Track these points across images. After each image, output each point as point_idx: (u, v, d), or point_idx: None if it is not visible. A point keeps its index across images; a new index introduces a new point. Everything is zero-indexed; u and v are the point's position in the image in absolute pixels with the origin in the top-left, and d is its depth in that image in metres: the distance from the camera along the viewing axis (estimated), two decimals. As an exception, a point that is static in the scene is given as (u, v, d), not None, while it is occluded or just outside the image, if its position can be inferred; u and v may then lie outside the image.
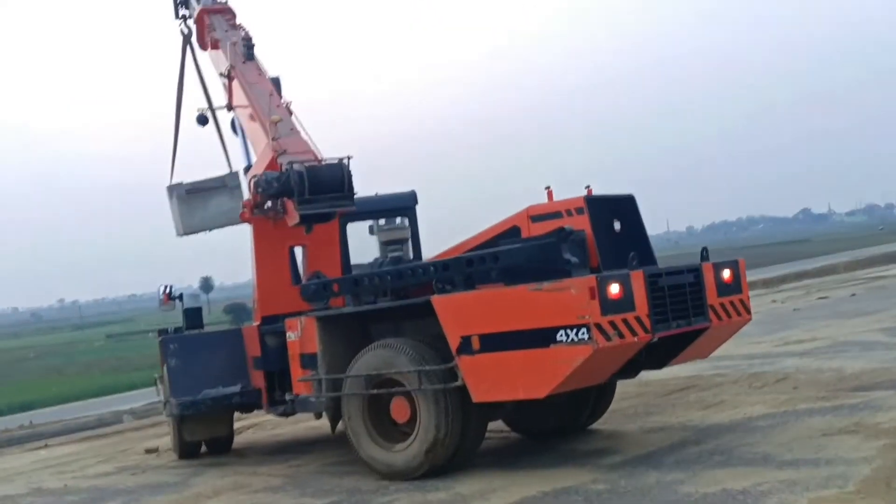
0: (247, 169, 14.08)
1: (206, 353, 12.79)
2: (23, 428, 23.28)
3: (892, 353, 14.30)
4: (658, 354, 9.83)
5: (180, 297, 14.31)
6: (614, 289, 8.53)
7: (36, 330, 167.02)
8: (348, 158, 11.41)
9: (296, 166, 11.02)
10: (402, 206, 13.61)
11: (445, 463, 9.62)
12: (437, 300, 9.41)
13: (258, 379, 12.42)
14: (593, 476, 9.08)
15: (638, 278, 8.83)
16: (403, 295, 10.30)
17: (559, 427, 11.29)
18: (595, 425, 12.03)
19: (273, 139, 11.85)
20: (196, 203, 15.99)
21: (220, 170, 16.55)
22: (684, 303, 9.39)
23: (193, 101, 16.80)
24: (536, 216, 10.06)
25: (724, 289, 10.00)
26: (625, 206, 10.31)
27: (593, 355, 8.44)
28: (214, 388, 12.43)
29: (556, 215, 9.86)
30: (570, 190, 10.26)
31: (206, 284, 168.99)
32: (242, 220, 12.44)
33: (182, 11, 16.57)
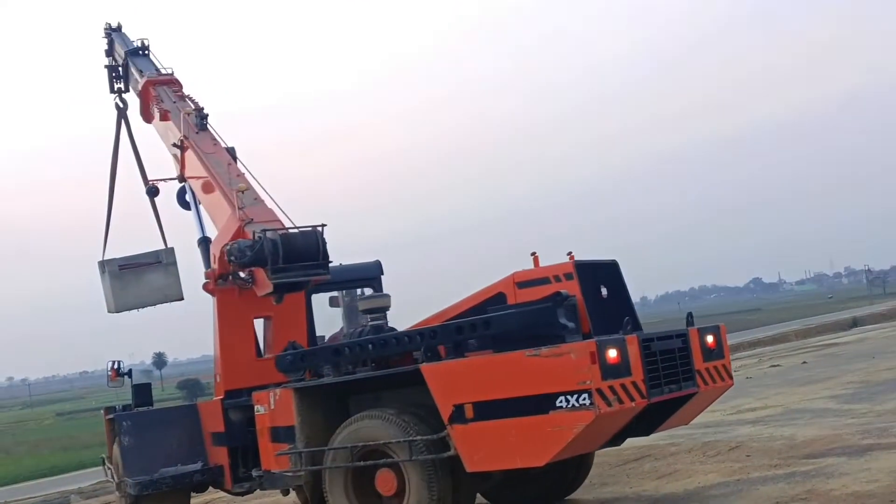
0: (201, 241, 13.53)
1: (160, 430, 12.16)
2: (-33, 511, 22.72)
3: (843, 419, 14.35)
4: (645, 421, 9.53)
5: (129, 372, 13.74)
6: (612, 353, 8.28)
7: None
8: (322, 226, 11.03)
9: (269, 234, 10.60)
10: (368, 276, 13.36)
11: None
12: (426, 368, 9.05)
13: (219, 455, 11.85)
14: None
15: (633, 343, 8.58)
16: (384, 365, 9.93)
17: (540, 497, 10.97)
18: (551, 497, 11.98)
19: (239, 208, 11.46)
20: (129, 279, 15.42)
21: (153, 245, 15.95)
22: (675, 368, 9.18)
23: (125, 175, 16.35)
24: (523, 282, 9.70)
25: (708, 354, 9.82)
26: (609, 272, 10.10)
27: (595, 421, 8.13)
28: (172, 466, 11.85)
29: (543, 281, 9.52)
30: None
31: (160, 360, 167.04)
32: (206, 290, 11.99)
33: (117, 85, 16.25)
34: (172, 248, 15.83)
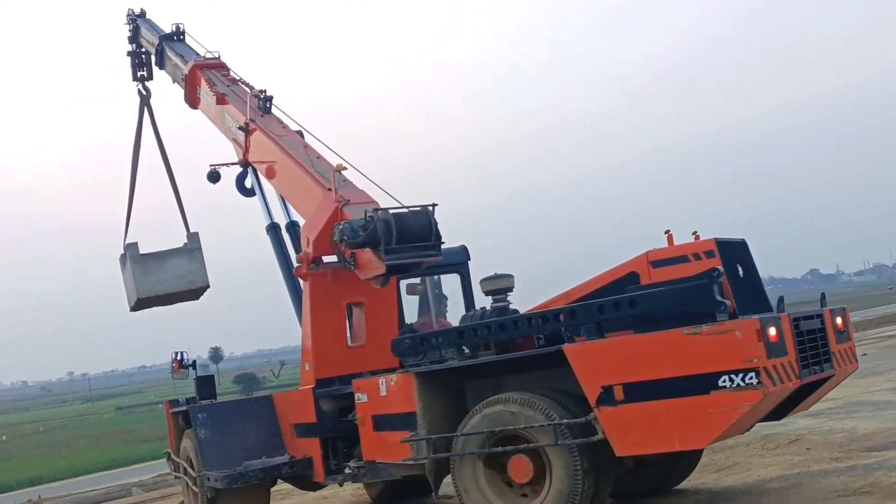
0: (269, 227, 12.98)
1: (237, 422, 11.55)
2: (31, 503, 23.16)
3: (906, 411, 14.18)
4: (781, 405, 8.91)
5: (192, 364, 13.29)
6: (772, 332, 7.76)
7: (45, 404, 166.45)
8: (433, 206, 10.35)
9: (381, 214, 9.92)
10: (455, 261, 12.52)
11: None
12: (570, 349, 8.41)
13: (307, 447, 11.16)
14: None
15: (786, 322, 8.06)
16: (505, 349, 9.30)
17: (650, 488, 10.37)
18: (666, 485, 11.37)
19: (334, 189, 10.83)
20: (152, 265, 14.90)
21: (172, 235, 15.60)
22: (816, 349, 8.64)
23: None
24: (658, 261, 9.00)
25: (839, 335, 9.29)
26: (741, 251, 9.43)
27: (762, 400, 7.66)
28: (250, 459, 11.26)
29: (682, 259, 8.88)
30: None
31: (216, 354, 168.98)
32: (298, 274, 11.27)
33: (140, 72, 16.02)
34: (197, 233, 15.41)
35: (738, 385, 7.60)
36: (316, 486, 12.36)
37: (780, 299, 9.12)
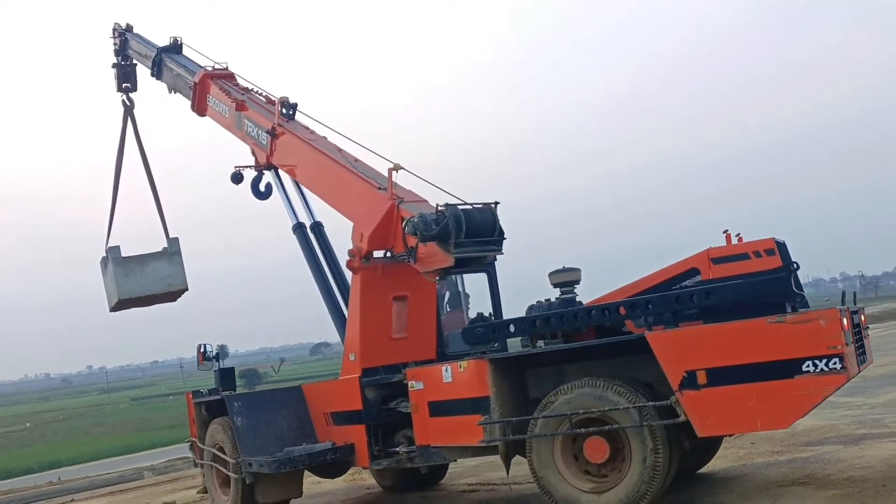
0: (295, 227, 12.29)
1: (270, 411, 11.07)
2: (51, 484, 22.76)
3: (840, 411, 13.96)
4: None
5: (216, 356, 12.56)
6: (845, 322, 7.64)
7: (66, 394, 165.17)
8: (496, 203, 10.00)
9: (452, 209, 9.56)
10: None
11: (656, 500, 8.34)
12: (653, 337, 8.16)
13: (343, 434, 10.66)
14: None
15: (847, 315, 7.86)
16: (570, 339, 9.08)
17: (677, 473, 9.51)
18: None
19: (389, 187, 10.44)
20: (133, 267, 14.36)
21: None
22: (861, 342, 8.52)
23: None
24: (719, 258, 8.83)
25: (864, 331, 9.19)
26: (785, 251, 9.10)
27: (843, 385, 7.57)
28: (285, 446, 10.76)
29: (742, 257, 8.71)
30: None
31: (223, 351, 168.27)
32: (349, 267, 10.70)
33: (125, 84, 15.53)
34: (177, 238, 14.92)
35: (822, 370, 7.48)
36: (336, 475, 12.01)
37: (843, 294, 9.11)
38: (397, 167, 10.35)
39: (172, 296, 14.86)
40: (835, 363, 7.43)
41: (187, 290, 14.86)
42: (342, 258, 11.47)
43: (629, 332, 8.84)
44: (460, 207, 9.65)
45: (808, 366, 7.50)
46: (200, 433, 11.98)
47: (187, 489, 16.98)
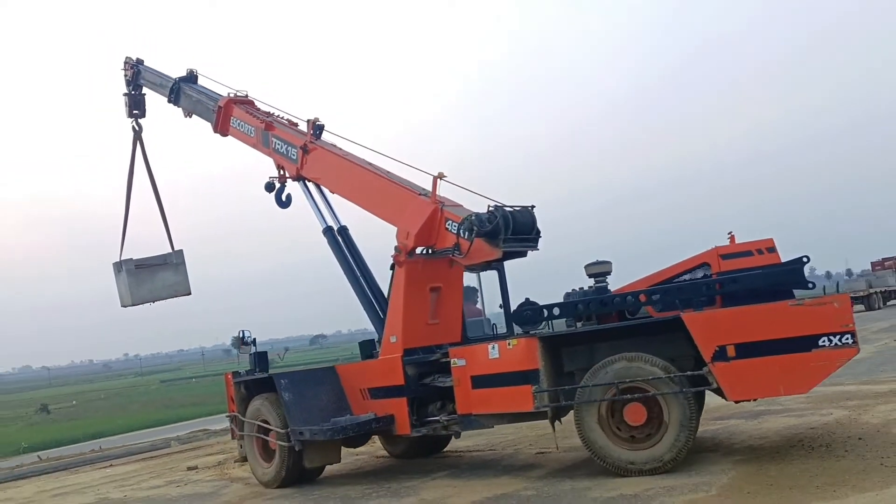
0: (326, 230, 11.77)
1: (311, 387, 10.75)
2: (93, 452, 22.59)
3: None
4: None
5: (253, 341, 12.01)
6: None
7: (106, 377, 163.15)
8: (532, 206, 9.81)
9: (500, 210, 9.45)
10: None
11: (684, 456, 8.24)
12: (688, 317, 8.09)
13: (382, 407, 10.29)
14: (524, 485, 8.80)
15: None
16: (602, 321, 9.08)
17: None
18: (524, 446, 11.60)
19: (433, 193, 10.19)
20: (144, 276, 14.29)
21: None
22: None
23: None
24: (727, 254, 8.84)
25: None
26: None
27: (853, 357, 7.67)
28: (326, 418, 10.38)
29: (747, 253, 8.76)
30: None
31: (236, 341, 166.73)
32: (396, 261, 10.36)
33: (135, 111, 15.13)
34: (181, 251, 14.73)
35: (836, 344, 7.56)
36: (361, 444, 11.82)
37: (838, 284, 9.12)
38: (441, 175, 10.17)
39: (178, 296, 14.84)
40: (847, 339, 7.56)
41: (190, 294, 14.75)
42: (367, 258, 11.54)
43: (648, 315, 8.84)
44: (508, 209, 9.54)
45: (823, 341, 7.58)
46: (241, 408, 11.53)
47: (207, 456, 16.96)
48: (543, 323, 9.40)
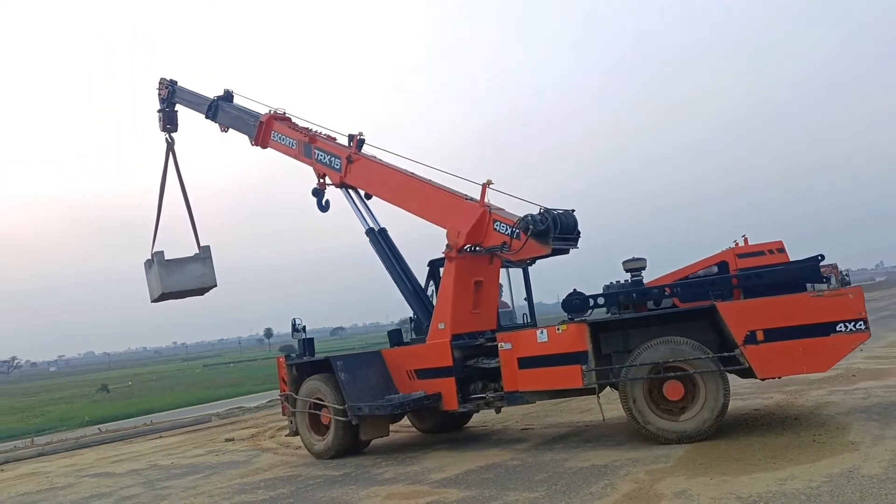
0: (368, 231, 11.48)
1: (361, 369, 10.42)
2: (145, 425, 22.63)
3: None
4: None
5: (303, 328, 11.41)
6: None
7: (157, 362, 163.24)
8: (573, 210, 9.73)
9: (551, 212, 9.38)
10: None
11: (717, 427, 8.21)
12: (722, 306, 8.12)
13: (430, 386, 9.99)
14: (511, 456, 8.93)
15: None
16: (636, 310, 8.92)
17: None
18: (512, 423, 11.68)
19: (482, 197, 10.01)
20: (174, 268, 13.76)
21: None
22: None
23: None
24: (742, 254, 8.81)
25: None
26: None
27: (866, 340, 7.86)
28: (377, 396, 10.09)
29: (760, 253, 8.74)
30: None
31: (268, 332, 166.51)
32: (448, 257, 10.08)
33: (168, 125, 14.63)
34: (208, 246, 14.16)
35: (851, 329, 7.73)
36: (398, 420, 11.41)
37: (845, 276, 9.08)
38: (489, 182, 10.06)
39: (203, 291, 14.20)
40: (860, 325, 7.73)
41: (216, 286, 14.10)
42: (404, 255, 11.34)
43: (674, 305, 8.79)
44: (556, 211, 9.51)
45: (840, 327, 7.74)
46: (293, 388, 11.10)
47: (242, 429, 17.04)
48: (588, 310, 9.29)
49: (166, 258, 13.88)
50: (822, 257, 8.42)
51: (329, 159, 12.05)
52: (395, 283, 11.26)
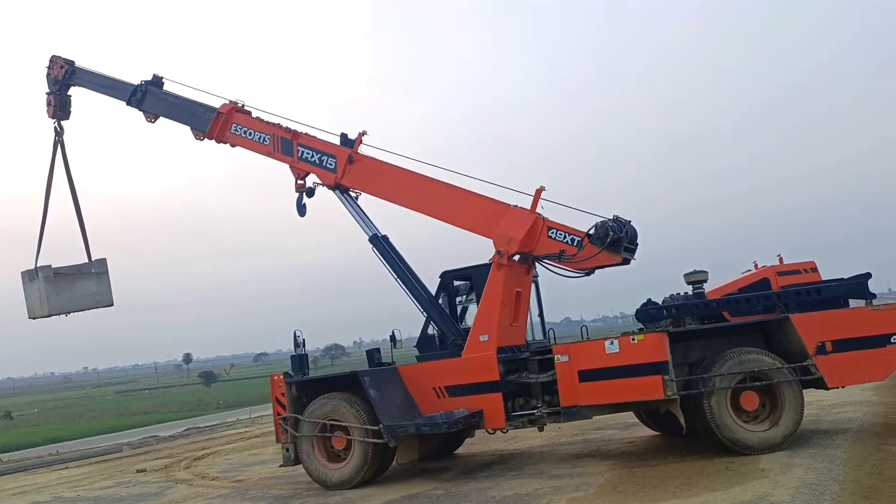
0: (373, 237, 10.47)
1: (385, 386, 9.35)
2: (51, 455, 21.60)
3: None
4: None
5: (303, 343, 10.28)
6: None
7: (65, 388, 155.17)
8: (629, 221, 9.42)
9: (622, 221, 9.20)
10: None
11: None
12: (796, 318, 8.40)
13: (469, 403, 9.14)
14: (435, 485, 8.81)
15: None
16: (703, 322, 8.99)
17: (690, 428, 8.79)
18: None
19: (534, 205, 9.61)
20: (63, 285, 11.62)
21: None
22: None
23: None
24: (782, 272, 9.06)
25: None
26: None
27: None
28: (403, 415, 9.06)
29: (796, 272, 9.03)
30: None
31: (187, 357, 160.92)
32: (497, 263, 9.44)
33: (58, 112, 12.37)
34: (104, 259, 12.12)
35: None
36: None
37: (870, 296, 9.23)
38: (542, 188, 9.68)
39: (100, 308, 12.15)
40: None
41: (113, 305, 12.14)
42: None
43: (725, 319, 8.92)
44: (623, 221, 9.29)
45: (894, 338, 8.23)
46: (294, 410, 9.71)
47: (155, 459, 16.33)
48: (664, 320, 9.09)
49: (54, 270, 11.70)
50: (870, 275, 8.80)
51: (320, 158, 10.89)
52: (410, 293, 10.32)
